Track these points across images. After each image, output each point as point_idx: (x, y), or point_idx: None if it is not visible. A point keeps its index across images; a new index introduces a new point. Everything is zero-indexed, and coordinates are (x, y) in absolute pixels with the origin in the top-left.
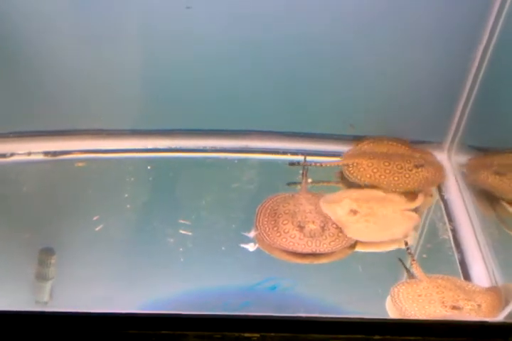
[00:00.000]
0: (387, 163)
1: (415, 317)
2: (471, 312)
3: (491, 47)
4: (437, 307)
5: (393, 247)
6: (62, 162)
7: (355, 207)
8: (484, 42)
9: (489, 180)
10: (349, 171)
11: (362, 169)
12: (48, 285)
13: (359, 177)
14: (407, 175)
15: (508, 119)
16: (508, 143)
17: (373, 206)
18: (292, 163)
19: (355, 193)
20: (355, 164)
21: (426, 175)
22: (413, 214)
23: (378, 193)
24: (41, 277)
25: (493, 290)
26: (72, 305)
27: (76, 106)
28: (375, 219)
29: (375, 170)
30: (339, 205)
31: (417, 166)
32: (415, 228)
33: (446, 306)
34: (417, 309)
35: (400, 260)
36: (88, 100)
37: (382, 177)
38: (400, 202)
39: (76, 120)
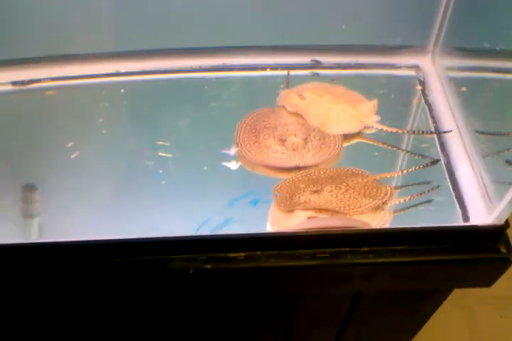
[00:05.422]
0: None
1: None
2: None
3: None
4: None
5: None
6: (31, 91)
7: (306, 94)
8: None
9: None
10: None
11: None
12: (35, 222)
13: None
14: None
15: (490, 18)
16: (492, 42)
17: (326, 97)
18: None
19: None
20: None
21: None
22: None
23: (344, 91)
24: (27, 215)
25: None
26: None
27: (42, 32)
28: (320, 108)
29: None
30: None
31: None
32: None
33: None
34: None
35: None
36: (54, 24)
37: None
38: (359, 109)
39: (43, 46)
